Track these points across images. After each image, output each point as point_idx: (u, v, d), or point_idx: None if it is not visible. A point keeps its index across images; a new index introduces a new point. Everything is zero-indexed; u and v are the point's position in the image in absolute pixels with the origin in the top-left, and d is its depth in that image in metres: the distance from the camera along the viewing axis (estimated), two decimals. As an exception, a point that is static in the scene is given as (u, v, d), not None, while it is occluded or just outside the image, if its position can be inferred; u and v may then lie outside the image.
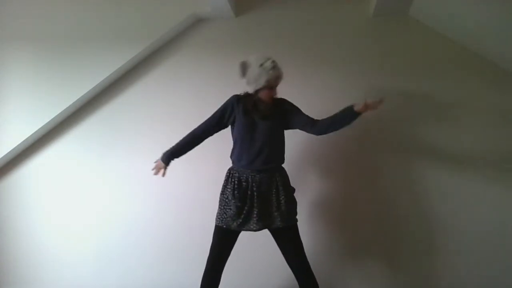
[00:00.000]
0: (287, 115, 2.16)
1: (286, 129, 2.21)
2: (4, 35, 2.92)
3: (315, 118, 2.12)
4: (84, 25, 2.85)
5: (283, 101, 2.21)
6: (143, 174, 2.86)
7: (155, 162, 2.23)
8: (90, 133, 2.93)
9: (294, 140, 2.48)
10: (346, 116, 2.03)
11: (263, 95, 2.10)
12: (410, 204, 2.62)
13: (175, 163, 2.81)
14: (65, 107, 2.81)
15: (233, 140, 2.20)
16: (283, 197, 2.05)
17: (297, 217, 2.13)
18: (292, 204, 2.11)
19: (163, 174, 2.22)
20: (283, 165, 2.20)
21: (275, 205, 2.05)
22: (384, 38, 2.71)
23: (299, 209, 2.17)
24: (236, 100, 2.16)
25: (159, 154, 2.83)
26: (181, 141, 2.21)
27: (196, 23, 2.88)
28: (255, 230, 2.04)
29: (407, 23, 2.68)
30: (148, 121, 2.89)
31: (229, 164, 2.64)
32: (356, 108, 1.98)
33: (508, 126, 2.56)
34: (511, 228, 2.52)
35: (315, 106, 2.69)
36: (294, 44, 2.77)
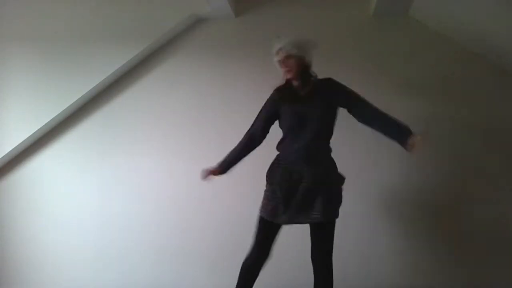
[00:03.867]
0: (331, 95, 2.01)
1: (335, 111, 2.04)
2: (4, 35, 2.92)
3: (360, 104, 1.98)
4: (84, 25, 2.85)
5: (326, 80, 2.05)
6: (143, 174, 2.87)
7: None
8: (90, 133, 2.93)
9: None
10: (394, 133, 1.91)
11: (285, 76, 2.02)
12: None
13: (175, 163, 2.84)
14: (65, 107, 2.81)
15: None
16: (328, 190, 1.95)
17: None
18: (337, 198, 2.01)
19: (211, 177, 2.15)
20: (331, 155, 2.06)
21: (320, 199, 1.92)
22: (384, 38, 2.70)
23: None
24: (276, 92, 2.09)
25: (159, 154, 2.85)
26: (234, 150, 2.14)
27: (196, 23, 2.88)
28: (303, 223, 1.98)
29: (407, 23, 2.68)
30: (148, 121, 2.89)
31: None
32: (408, 142, 1.84)
33: (509, 127, 2.56)
34: None
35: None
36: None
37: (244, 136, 2.16)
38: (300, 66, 2.00)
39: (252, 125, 2.15)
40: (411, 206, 2.62)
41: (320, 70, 2.71)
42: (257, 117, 2.14)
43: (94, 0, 2.84)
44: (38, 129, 2.83)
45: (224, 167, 2.16)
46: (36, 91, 2.85)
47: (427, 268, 2.59)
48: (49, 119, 2.81)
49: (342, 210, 1.99)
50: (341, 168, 2.04)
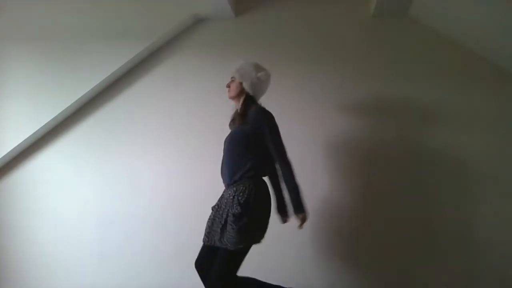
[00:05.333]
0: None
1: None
2: (4, 35, 2.92)
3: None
4: (84, 25, 2.85)
5: (256, 111, 2.06)
6: (143, 174, 2.87)
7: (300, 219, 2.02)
8: (90, 133, 2.93)
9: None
10: (292, 201, 1.98)
11: None
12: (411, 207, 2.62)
13: (175, 163, 2.84)
14: (65, 107, 2.81)
15: (260, 155, 2.03)
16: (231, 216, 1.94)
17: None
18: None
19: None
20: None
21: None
22: (384, 38, 2.71)
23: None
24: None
25: (159, 154, 2.85)
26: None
27: (196, 23, 2.88)
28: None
29: (407, 23, 2.69)
30: (149, 121, 2.89)
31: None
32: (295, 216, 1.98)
33: (510, 128, 2.56)
34: None
35: (314, 106, 2.72)
36: (294, 44, 2.77)
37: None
38: (236, 91, 2.13)
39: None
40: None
41: (320, 70, 2.74)
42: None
43: (94, 0, 2.84)
44: (38, 129, 2.83)
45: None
46: (36, 91, 2.85)
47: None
48: (49, 119, 2.81)
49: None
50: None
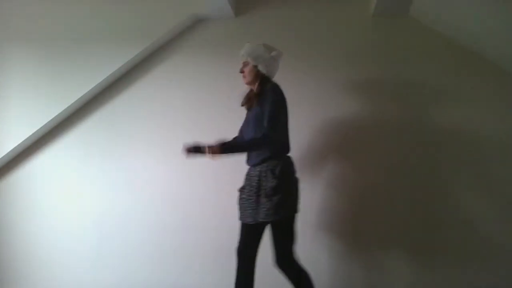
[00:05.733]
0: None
1: None
2: (4, 35, 2.92)
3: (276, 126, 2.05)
4: (84, 25, 2.85)
5: (269, 87, 2.11)
6: (143, 174, 2.87)
7: None
8: (89, 133, 2.93)
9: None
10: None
11: None
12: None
13: (175, 163, 2.84)
14: (65, 107, 2.81)
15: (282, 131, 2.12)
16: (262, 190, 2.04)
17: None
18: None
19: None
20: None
21: None
22: (384, 38, 2.71)
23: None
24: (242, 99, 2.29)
25: (159, 154, 2.85)
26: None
27: (196, 23, 2.88)
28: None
29: (407, 23, 2.68)
30: (148, 121, 2.89)
31: (229, 164, 2.65)
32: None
33: (508, 127, 2.56)
34: None
35: (314, 106, 2.72)
36: (294, 44, 2.77)
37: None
38: (253, 75, 2.13)
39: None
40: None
41: (320, 69, 2.74)
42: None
43: (94, 0, 2.84)
44: (38, 129, 2.83)
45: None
46: (36, 91, 2.85)
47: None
48: (49, 119, 2.81)
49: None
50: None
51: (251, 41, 2.22)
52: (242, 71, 2.16)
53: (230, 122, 2.75)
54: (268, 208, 1.93)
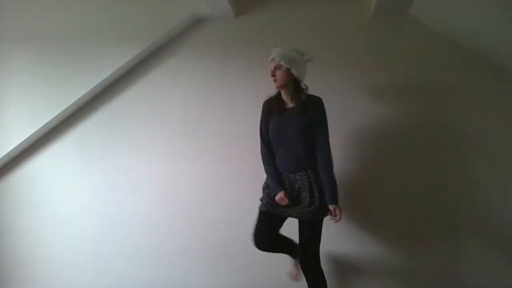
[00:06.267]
0: (312, 113, 2.12)
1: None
2: (4, 35, 2.92)
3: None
4: (84, 25, 2.85)
5: (315, 99, 2.17)
6: (143, 174, 2.87)
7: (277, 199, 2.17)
8: (90, 133, 2.93)
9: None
10: (326, 190, 2.10)
11: None
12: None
13: (175, 163, 2.84)
14: (65, 107, 2.81)
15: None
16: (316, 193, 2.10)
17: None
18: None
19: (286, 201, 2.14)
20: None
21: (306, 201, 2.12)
22: (384, 37, 2.70)
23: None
24: (265, 104, 2.25)
25: (158, 154, 2.85)
26: (266, 167, 2.23)
27: (196, 23, 2.88)
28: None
29: (407, 23, 2.68)
30: (148, 121, 2.89)
31: (228, 163, 2.65)
32: (329, 207, 2.10)
33: (508, 127, 2.56)
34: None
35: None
36: (294, 44, 2.75)
37: (262, 148, 2.25)
38: (286, 78, 2.10)
39: (261, 137, 2.25)
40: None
41: (320, 69, 2.73)
42: (260, 130, 2.25)
43: (94, 0, 2.84)
44: (38, 129, 2.83)
45: (281, 185, 2.17)
46: (36, 91, 2.85)
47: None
48: (49, 119, 2.81)
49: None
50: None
51: (280, 44, 2.19)
52: (273, 75, 2.12)
53: (231, 121, 2.76)
54: (319, 209, 2.08)
